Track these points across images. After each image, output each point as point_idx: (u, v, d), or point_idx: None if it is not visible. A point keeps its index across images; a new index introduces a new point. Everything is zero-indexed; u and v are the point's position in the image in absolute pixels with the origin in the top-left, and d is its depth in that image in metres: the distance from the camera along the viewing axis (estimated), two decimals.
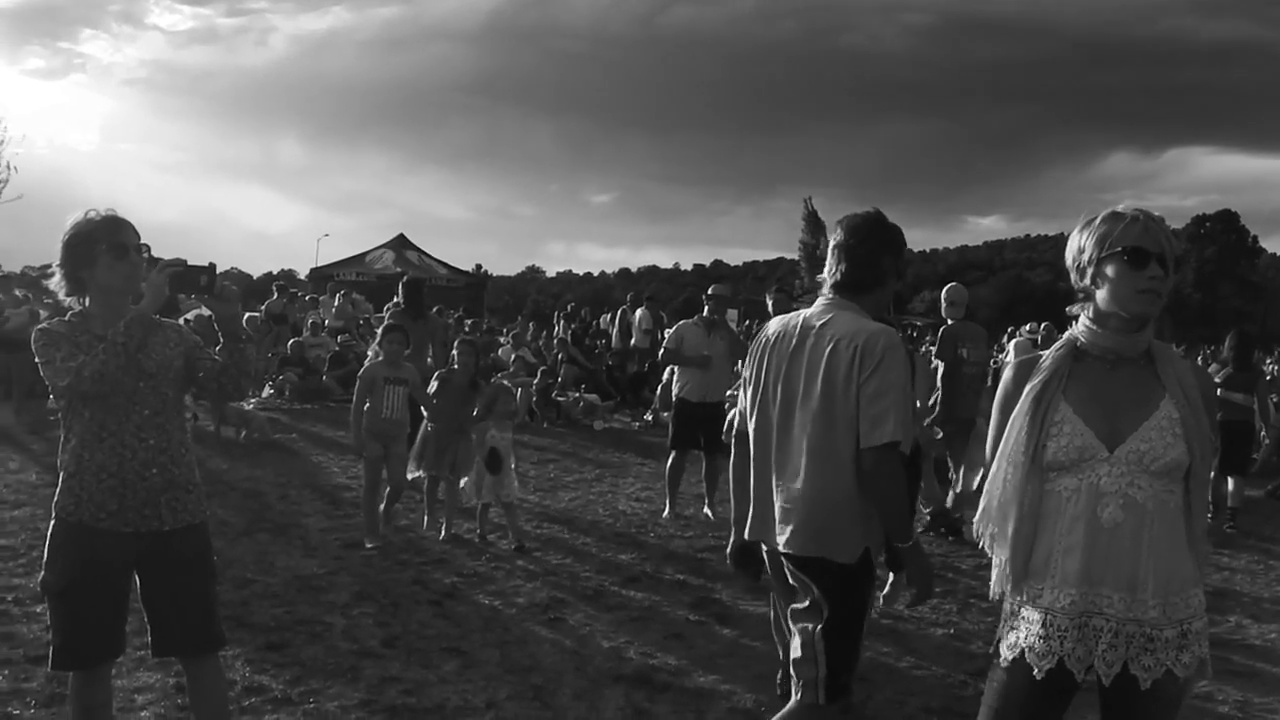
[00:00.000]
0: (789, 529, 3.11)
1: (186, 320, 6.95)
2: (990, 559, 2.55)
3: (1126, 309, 2.36)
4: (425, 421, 7.40)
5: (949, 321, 8.07)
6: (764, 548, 3.33)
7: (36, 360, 2.96)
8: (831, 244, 3.26)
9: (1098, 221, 2.41)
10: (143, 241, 3.07)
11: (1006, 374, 2.57)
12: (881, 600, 5.64)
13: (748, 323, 18.63)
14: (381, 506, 7.07)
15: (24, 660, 4.44)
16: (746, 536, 3.35)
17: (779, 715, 3.21)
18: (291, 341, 16.00)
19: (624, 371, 17.07)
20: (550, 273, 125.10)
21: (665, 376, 13.28)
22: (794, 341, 3.16)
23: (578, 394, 14.79)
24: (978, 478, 2.55)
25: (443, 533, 7.17)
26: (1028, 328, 16.15)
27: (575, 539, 7.43)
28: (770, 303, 8.46)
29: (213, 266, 3.05)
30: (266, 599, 5.54)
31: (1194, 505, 2.40)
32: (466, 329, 18.12)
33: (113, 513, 2.99)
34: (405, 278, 11.26)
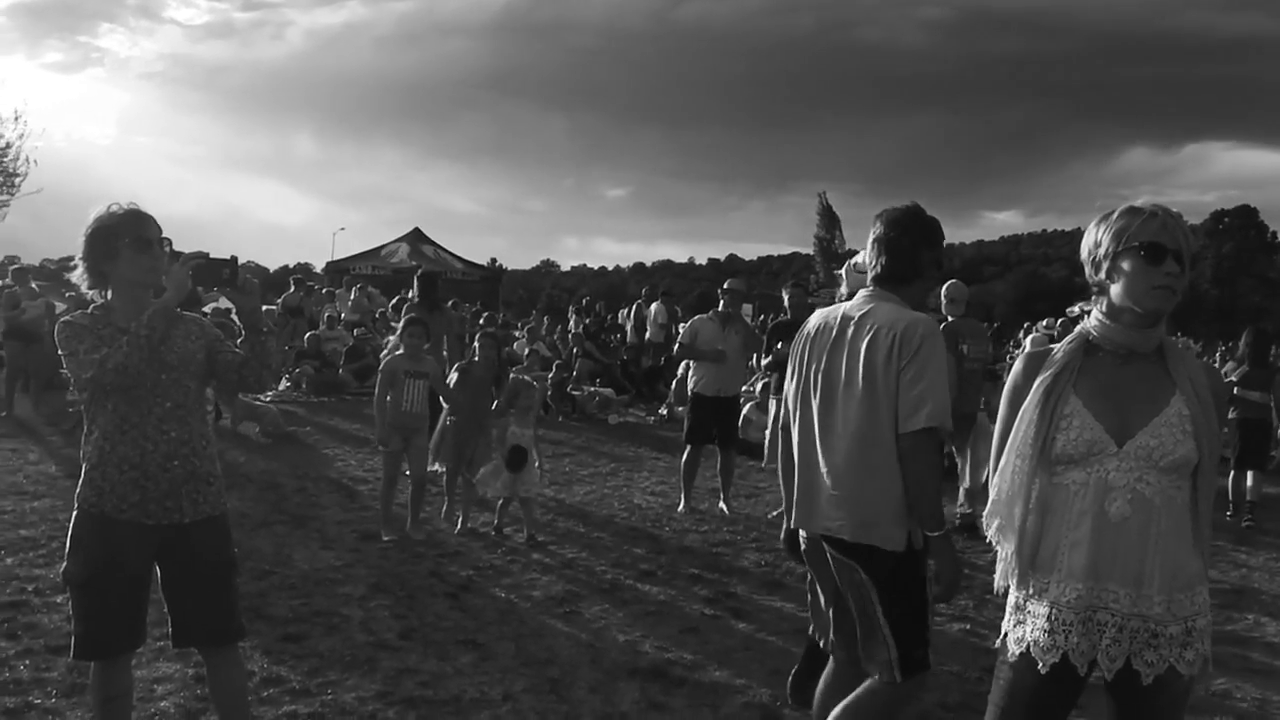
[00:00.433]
0: (834, 517, 3.18)
1: (203, 313, 6.98)
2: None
3: (1141, 304, 2.36)
4: (444, 414, 7.41)
5: (949, 318, 8.04)
6: (802, 534, 3.39)
7: (60, 352, 2.98)
8: (871, 237, 3.32)
9: (1115, 216, 2.40)
10: (164, 235, 3.08)
11: (1017, 366, 2.56)
12: None
13: (762, 317, 18.59)
14: (405, 502, 7.07)
15: (45, 650, 4.48)
16: (790, 524, 3.44)
17: (855, 693, 3.24)
18: (308, 335, 16.07)
19: (639, 366, 17.08)
20: (565, 267, 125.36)
21: (680, 371, 13.29)
22: (834, 333, 3.24)
23: (593, 388, 14.80)
24: (985, 473, 2.55)
25: (459, 525, 7.19)
26: (1044, 323, 16.08)
27: (590, 533, 7.45)
28: (786, 297, 8.47)
29: (234, 260, 3.07)
30: (284, 591, 5.57)
31: (1201, 502, 2.40)
32: (481, 322, 18.15)
33: (134, 504, 3.01)
34: (420, 271, 11.29)
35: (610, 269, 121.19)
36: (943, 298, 8.40)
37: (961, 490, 8.03)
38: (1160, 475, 2.33)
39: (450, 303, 16.33)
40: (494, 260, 61.74)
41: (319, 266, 41.43)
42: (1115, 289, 2.39)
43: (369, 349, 15.82)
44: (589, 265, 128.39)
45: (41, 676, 4.21)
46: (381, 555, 6.44)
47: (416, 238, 29.25)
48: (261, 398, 11.57)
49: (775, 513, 8.22)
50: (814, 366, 3.27)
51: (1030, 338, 12.63)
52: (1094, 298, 2.47)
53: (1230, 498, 9.33)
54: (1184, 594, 2.35)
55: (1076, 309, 8.89)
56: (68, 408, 10.63)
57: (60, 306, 13.62)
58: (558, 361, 15.42)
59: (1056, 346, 2.50)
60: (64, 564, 3.11)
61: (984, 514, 2.54)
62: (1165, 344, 2.44)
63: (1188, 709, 4.51)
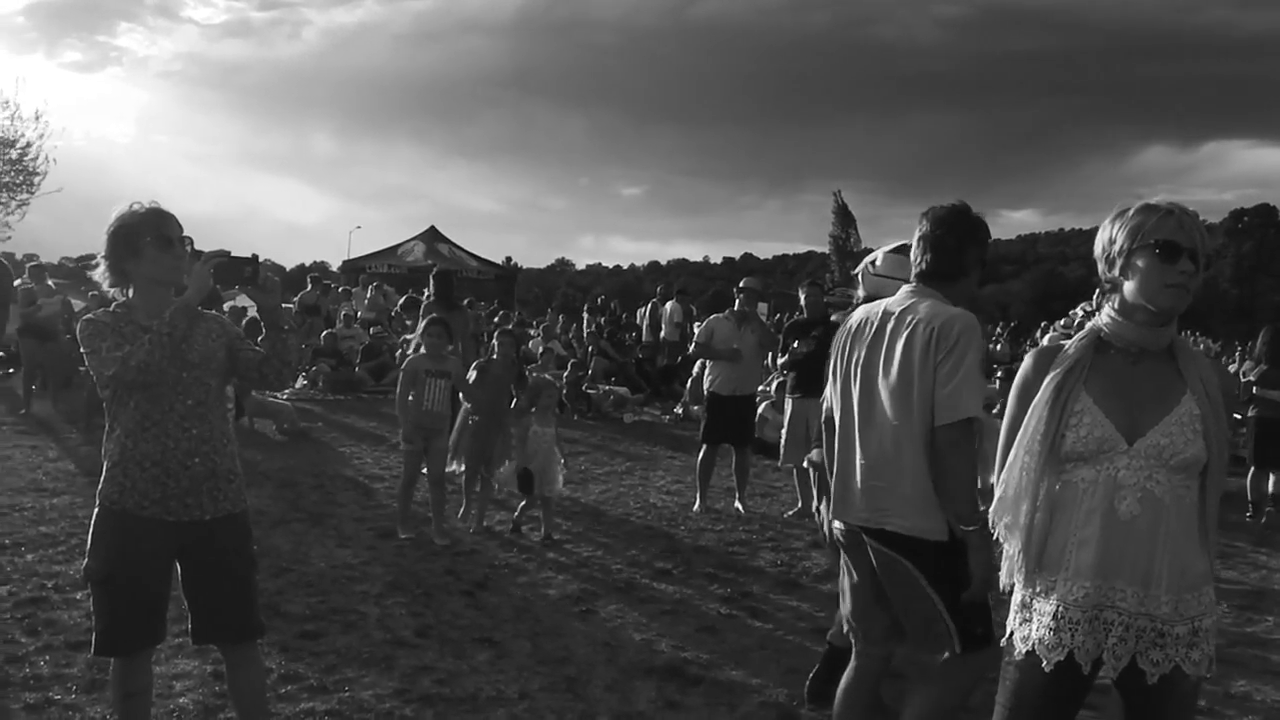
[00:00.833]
0: (874, 508, 3.22)
1: (222, 311, 6.99)
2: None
3: (1154, 302, 2.34)
4: (462, 414, 7.39)
5: None
6: (838, 525, 3.42)
7: (82, 350, 3.00)
8: (917, 235, 3.34)
9: (1131, 213, 2.39)
10: (185, 234, 3.10)
11: (1026, 362, 2.55)
12: None
13: (778, 316, 18.56)
14: (421, 500, 7.07)
15: (64, 646, 4.51)
16: (829, 515, 3.47)
17: (929, 677, 3.27)
18: (324, 333, 16.12)
19: (654, 364, 17.08)
20: (580, 265, 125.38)
21: (695, 370, 13.29)
22: (875, 328, 3.28)
23: (608, 387, 14.81)
24: (994, 472, 2.54)
25: (474, 524, 7.20)
26: (1061, 322, 15.99)
27: (605, 532, 7.45)
28: (803, 296, 8.45)
29: (255, 258, 3.08)
30: (301, 588, 5.59)
31: (1209, 502, 2.39)
32: (496, 320, 18.18)
33: (156, 501, 3.03)
34: (436, 269, 11.31)
35: (625, 268, 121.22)
36: None
37: None
38: (1170, 474, 2.33)
39: (466, 301, 16.36)
40: (509, 259, 61.74)
41: (335, 265, 41.53)
42: (1129, 286, 2.37)
43: (385, 347, 15.88)
44: (604, 264, 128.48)
45: (62, 672, 4.24)
46: (398, 553, 6.46)
47: (432, 236, 29.28)
48: (278, 396, 11.62)
49: (791, 512, 8.21)
50: (855, 360, 3.32)
51: (1047, 338, 12.56)
52: (1106, 295, 2.46)
53: (1250, 498, 9.27)
54: (1191, 594, 2.34)
55: (1080, 312, 8.83)
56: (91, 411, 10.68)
57: (79, 304, 13.73)
58: (573, 360, 15.44)
59: (1067, 343, 2.48)
60: (85, 560, 3.13)
61: (990, 510, 2.52)
62: (1176, 343, 2.44)
63: (1208, 712, 4.49)
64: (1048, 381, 2.41)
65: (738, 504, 8.36)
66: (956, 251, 3.28)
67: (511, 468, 7.12)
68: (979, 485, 3.22)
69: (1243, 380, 9.72)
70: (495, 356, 7.64)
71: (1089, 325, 2.48)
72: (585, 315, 21.02)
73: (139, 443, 3.01)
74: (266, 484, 8.27)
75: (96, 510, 3.10)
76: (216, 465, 3.11)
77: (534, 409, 7.18)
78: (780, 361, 8.48)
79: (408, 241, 28.86)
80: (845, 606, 3.54)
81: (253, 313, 12.27)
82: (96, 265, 3.11)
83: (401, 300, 18.01)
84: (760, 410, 10.27)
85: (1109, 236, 2.41)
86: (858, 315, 3.43)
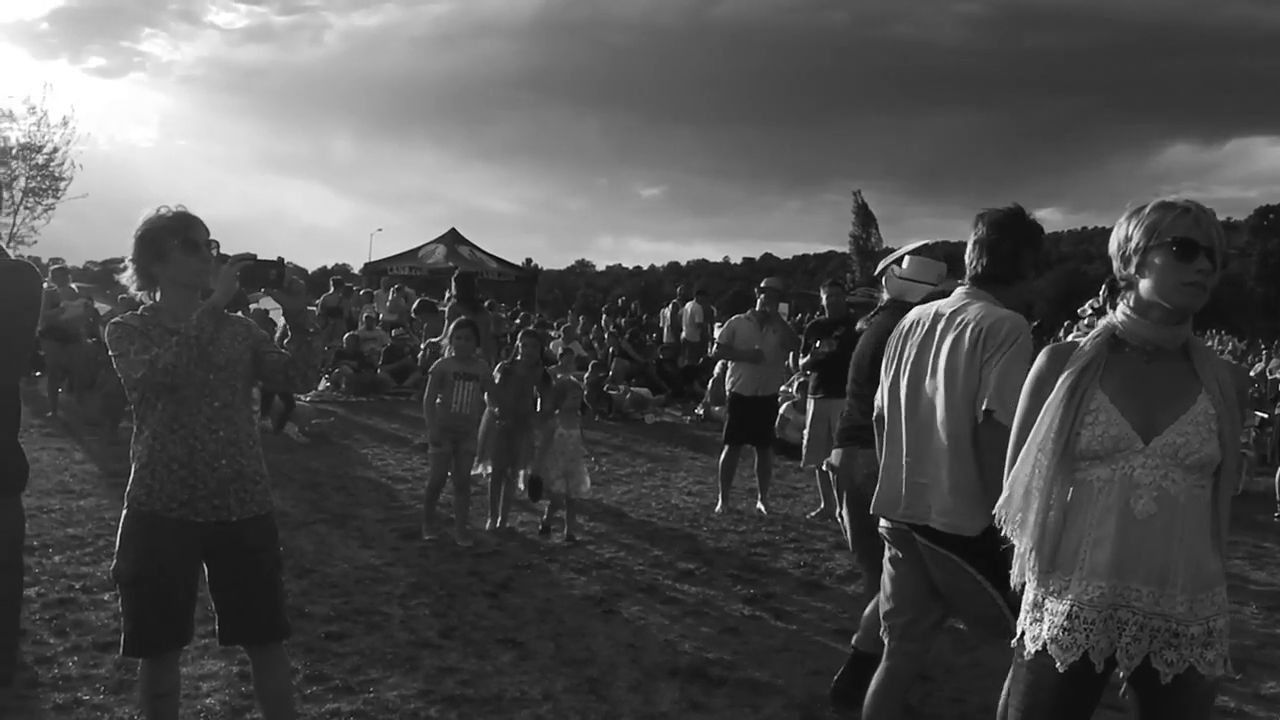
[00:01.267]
0: (918, 506, 3.28)
1: (246, 314, 7.02)
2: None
3: (1170, 300, 2.33)
4: (486, 416, 7.37)
5: None
6: (884, 522, 3.46)
7: (110, 353, 3.02)
8: (972, 239, 3.38)
9: (1147, 210, 2.37)
10: (211, 237, 3.12)
11: (1040, 359, 2.53)
12: None
13: (800, 316, 18.52)
14: (444, 502, 7.09)
15: (93, 647, 4.55)
16: (872, 511, 3.51)
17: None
18: (347, 335, 16.19)
19: (675, 365, 17.07)
20: (599, 266, 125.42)
21: (717, 370, 13.28)
22: (925, 328, 3.34)
23: (628, 387, 14.81)
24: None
25: (497, 524, 7.21)
26: (1085, 321, 15.89)
27: (628, 533, 7.45)
28: (824, 296, 8.43)
29: (281, 261, 3.10)
30: (326, 589, 5.62)
31: (1221, 502, 2.38)
32: (519, 321, 18.22)
33: (184, 503, 3.05)
34: (458, 272, 11.36)
35: (645, 268, 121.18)
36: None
37: None
38: (1185, 473, 2.31)
39: (486, 303, 16.41)
40: (529, 260, 61.81)
41: (357, 267, 41.76)
42: (1145, 284, 2.36)
43: (407, 349, 15.93)
44: (624, 265, 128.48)
45: (90, 673, 4.28)
46: (421, 554, 6.48)
47: (453, 238, 29.38)
48: (300, 397, 11.67)
49: (813, 513, 8.19)
50: (905, 360, 3.37)
51: (1071, 337, 12.48)
52: (1121, 292, 2.44)
53: (1278, 497, 9.19)
54: (1205, 594, 2.33)
55: (1089, 309, 8.78)
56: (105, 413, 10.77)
57: (103, 308, 13.84)
58: (594, 361, 15.45)
59: (1082, 340, 2.46)
60: (113, 562, 3.15)
61: (999, 507, 2.50)
62: (1191, 341, 2.42)
63: (1236, 713, 4.45)
64: (1062, 379, 2.40)
65: (760, 505, 8.35)
66: (1012, 256, 3.33)
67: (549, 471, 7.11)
68: None
69: (1269, 378, 9.65)
70: (519, 358, 7.63)
71: (1103, 323, 2.46)
72: (604, 316, 21.03)
73: (166, 445, 3.04)
74: (290, 486, 8.31)
75: (125, 512, 3.12)
76: (243, 467, 3.13)
77: (558, 411, 7.19)
78: (802, 362, 8.46)
79: (429, 244, 28.98)
80: (887, 604, 3.54)
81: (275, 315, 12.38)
82: (124, 268, 3.13)
83: (415, 303, 18.03)
84: (782, 410, 10.26)
85: (1125, 234, 2.40)
86: (910, 316, 3.48)
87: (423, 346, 14.75)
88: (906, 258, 4.88)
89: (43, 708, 3.94)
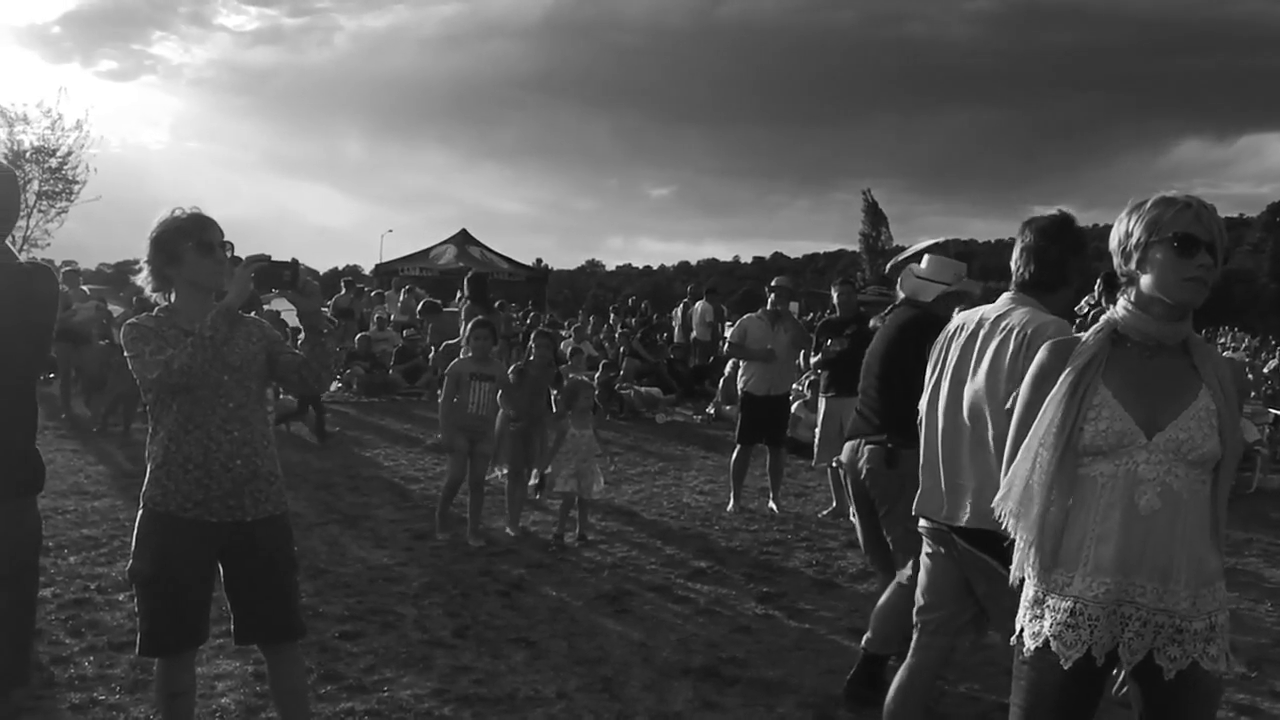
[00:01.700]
0: (955, 507, 3.32)
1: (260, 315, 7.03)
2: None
3: (1171, 296, 2.33)
4: (501, 418, 7.35)
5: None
6: (923, 522, 3.49)
7: (125, 354, 3.04)
8: (1019, 245, 3.40)
9: (1148, 206, 2.36)
10: (226, 239, 3.14)
11: (1042, 353, 2.51)
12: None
13: (811, 315, 18.50)
14: (457, 503, 7.09)
15: (108, 647, 4.57)
16: (914, 511, 3.54)
17: None
18: (358, 336, 16.23)
19: (685, 365, 17.06)
20: (610, 266, 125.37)
21: (728, 369, 13.27)
22: (969, 333, 3.36)
23: (639, 387, 14.80)
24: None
25: (516, 529, 7.21)
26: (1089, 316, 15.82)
27: (639, 532, 7.45)
28: (835, 295, 8.42)
29: (295, 262, 3.11)
30: (339, 589, 5.64)
31: (1220, 498, 2.38)
32: (529, 321, 18.24)
33: (199, 503, 3.06)
34: (470, 273, 11.40)
35: (655, 268, 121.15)
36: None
37: None
38: (1188, 469, 2.31)
39: (497, 303, 16.42)
40: (540, 260, 61.88)
41: (368, 269, 41.84)
42: (1145, 280, 2.36)
43: (419, 350, 15.96)
44: (634, 264, 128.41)
45: (105, 673, 4.30)
46: (434, 554, 6.50)
47: (463, 239, 29.40)
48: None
49: (825, 512, 8.18)
50: (949, 364, 3.41)
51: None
52: (1122, 288, 2.44)
53: None
54: (1207, 589, 2.33)
55: (1084, 305, 8.75)
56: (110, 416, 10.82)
57: (116, 310, 13.89)
58: (604, 361, 15.45)
59: (1084, 335, 2.46)
60: (129, 562, 3.17)
61: (997, 501, 2.48)
62: (1190, 338, 2.42)
63: (1251, 710, 4.43)
64: (1065, 374, 2.39)
65: (772, 504, 8.34)
66: (1058, 263, 3.35)
67: (554, 468, 7.12)
68: None
69: None
70: (532, 359, 7.64)
71: (1103, 318, 2.46)
72: (611, 315, 21.03)
73: (181, 445, 3.05)
74: (303, 486, 8.33)
75: (140, 512, 3.14)
76: (258, 467, 3.14)
77: (570, 411, 7.19)
78: (814, 360, 8.45)
79: (439, 245, 29.00)
80: (921, 599, 3.56)
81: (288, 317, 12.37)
82: (138, 270, 3.15)
83: (420, 304, 18.05)
84: (793, 409, 10.24)
85: (1125, 230, 2.40)
86: (957, 320, 3.51)
87: (432, 348, 14.78)
88: (926, 257, 4.88)
89: (59, 707, 3.96)
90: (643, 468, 10.17)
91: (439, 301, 17.09)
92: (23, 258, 3.07)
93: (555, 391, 8.53)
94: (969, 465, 3.29)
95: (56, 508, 7.06)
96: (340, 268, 60.46)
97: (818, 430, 8.01)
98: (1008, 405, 3.10)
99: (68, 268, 14.73)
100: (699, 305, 17.88)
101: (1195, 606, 2.30)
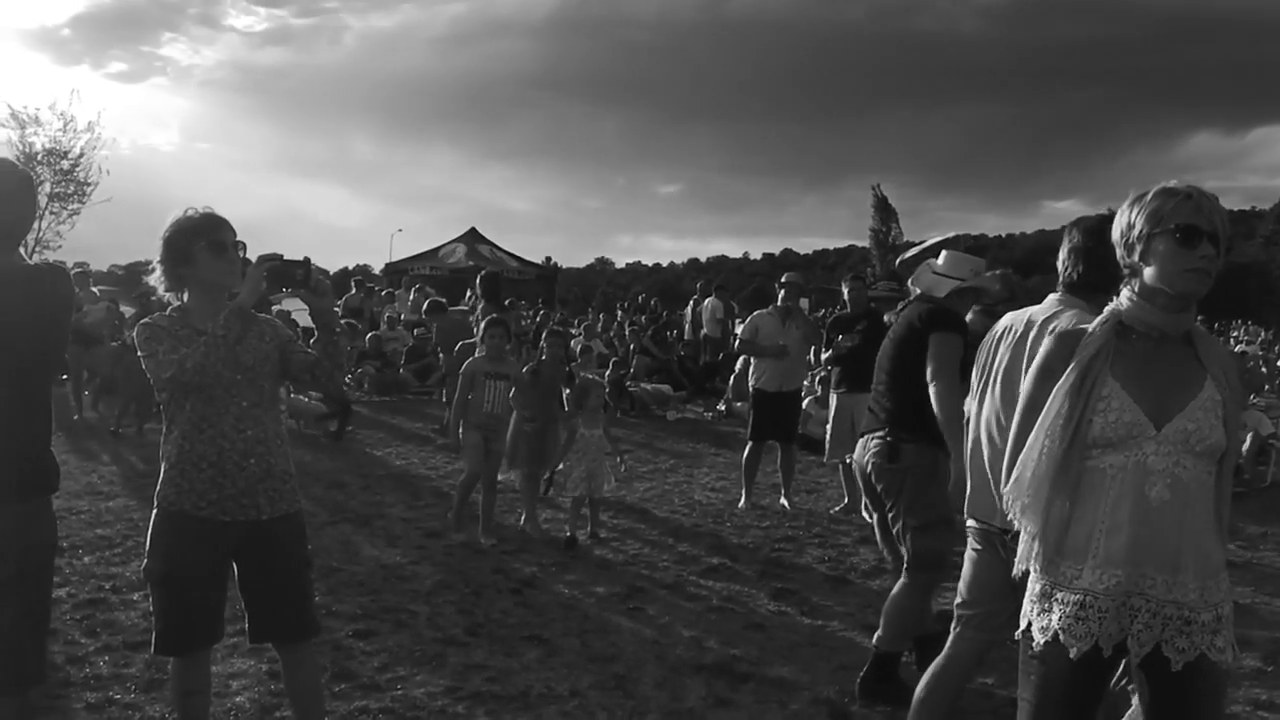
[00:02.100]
0: (996, 508, 3.27)
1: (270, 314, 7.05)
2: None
3: (1174, 287, 2.32)
4: (515, 420, 7.33)
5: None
6: (970, 521, 3.50)
7: (139, 353, 3.05)
8: (1067, 246, 3.41)
9: (1150, 197, 2.36)
10: (238, 239, 3.14)
11: (1048, 344, 2.51)
12: None
13: (822, 311, 18.48)
14: (470, 501, 7.10)
15: (123, 646, 4.59)
16: (965, 513, 3.54)
17: None
18: (369, 335, 16.26)
19: (696, 362, 17.06)
20: (619, 264, 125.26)
21: (738, 366, 13.26)
22: (1018, 335, 3.36)
23: (649, 384, 14.80)
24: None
25: (522, 522, 7.22)
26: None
27: (652, 529, 7.45)
28: (846, 291, 8.40)
29: (307, 261, 3.11)
30: (352, 587, 5.65)
31: (1223, 489, 2.39)
32: (539, 319, 18.25)
33: (213, 502, 3.07)
34: (483, 272, 11.39)
35: (665, 265, 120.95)
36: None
37: None
38: (1196, 460, 2.31)
39: (507, 302, 16.43)
40: (549, 258, 61.90)
41: (378, 268, 41.94)
42: (1148, 271, 2.35)
43: (429, 349, 15.98)
44: (644, 262, 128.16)
45: (121, 672, 4.32)
46: (446, 553, 6.51)
47: (473, 238, 29.46)
48: (304, 396, 11.62)
49: (837, 508, 8.17)
50: (999, 365, 3.40)
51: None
52: (1125, 279, 2.44)
53: None
54: (1213, 580, 2.32)
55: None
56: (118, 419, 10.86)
57: (127, 311, 13.94)
58: (614, 358, 15.45)
59: (1089, 326, 2.45)
60: (144, 561, 3.18)
61: (1005, 490, 2.47)
62: (1194, 329, 2.43)
63: (1269, 705, 4.41)
64: (1072, 366, 2.38)
65: (784, 500, 8.33)
66: (1110, 263, 3.32)
67: (565, 467, 7.11)
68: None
69: None
70: (545, 358, 7.63)
71: (1108, 309, 2.45)
72: (621, 313, 21.03)
73: (195, 444, 3.06)
74: (315, 485, 8.35)
75: (155, 511, 3.15)
76: (271, 466, 3.15)
77: (581, 410, 7.19)
78: (825, 356, 8.44)
79: (449, 243, 29.08)
80: (962, 596, 3.57)
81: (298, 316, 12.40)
82: (151, 270, 3.16)
83: (426, 303, 18.04)
84: (804, 405, 10.23)
85: (1128, 221, 2.40)
86: (1004, 321, 3.51)
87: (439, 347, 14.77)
88: (944, 252, 4.86)
89: (74, 707, 3.98)
90: (654, 465, 10.17)
91: (444, 300, 17.11)
92: (35, 259, 3.08)
93: (566, 390, 8.52)
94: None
95: (70, 508, 7.09)
96: (350, 267, 60.56)
97: (829, 426, 8.00)
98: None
99: (79, 269, 14.79)
100: (709, 302, 17.87)
101: (1203, 598, 2.30)
